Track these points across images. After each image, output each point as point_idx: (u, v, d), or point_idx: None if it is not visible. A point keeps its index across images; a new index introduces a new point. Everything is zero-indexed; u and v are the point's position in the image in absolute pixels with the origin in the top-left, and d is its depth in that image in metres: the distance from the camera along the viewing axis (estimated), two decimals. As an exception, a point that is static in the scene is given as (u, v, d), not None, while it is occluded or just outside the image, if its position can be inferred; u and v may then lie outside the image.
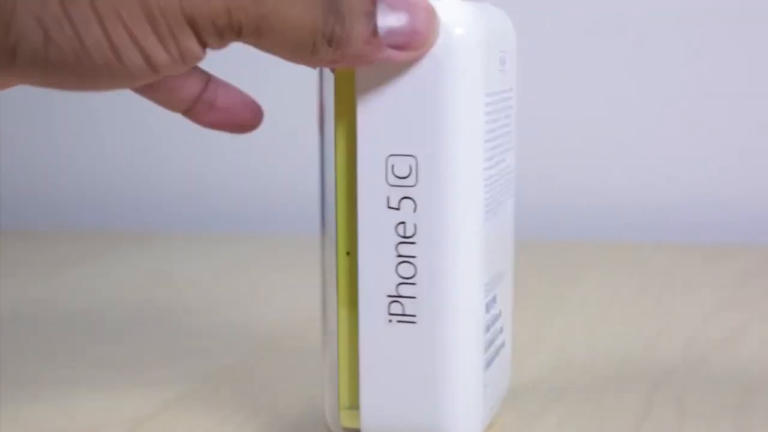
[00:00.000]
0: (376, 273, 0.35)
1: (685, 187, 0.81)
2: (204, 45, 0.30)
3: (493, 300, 0.37)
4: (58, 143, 0.94)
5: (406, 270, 0.34)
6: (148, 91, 0.40)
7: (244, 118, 0.41)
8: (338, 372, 0.36)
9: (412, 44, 0.32)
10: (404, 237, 0.34)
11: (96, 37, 0.28)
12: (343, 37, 0.31)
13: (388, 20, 0.32)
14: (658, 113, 0.81)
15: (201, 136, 0.91)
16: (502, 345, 0.40)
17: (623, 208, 0.81)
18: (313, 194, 0.62)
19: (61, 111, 0.93)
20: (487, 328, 0.37)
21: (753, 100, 0.79)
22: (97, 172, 0.94)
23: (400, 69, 0.33)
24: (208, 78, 0.41)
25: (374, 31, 0.32)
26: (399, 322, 0.35)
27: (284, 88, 0.76)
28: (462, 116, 0.33)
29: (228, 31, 0.30)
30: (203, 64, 0.35)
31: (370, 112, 0.34)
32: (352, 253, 0.35)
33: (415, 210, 0.34)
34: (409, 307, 0.35)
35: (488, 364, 0.37)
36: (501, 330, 0.39)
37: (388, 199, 0.34)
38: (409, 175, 0.34)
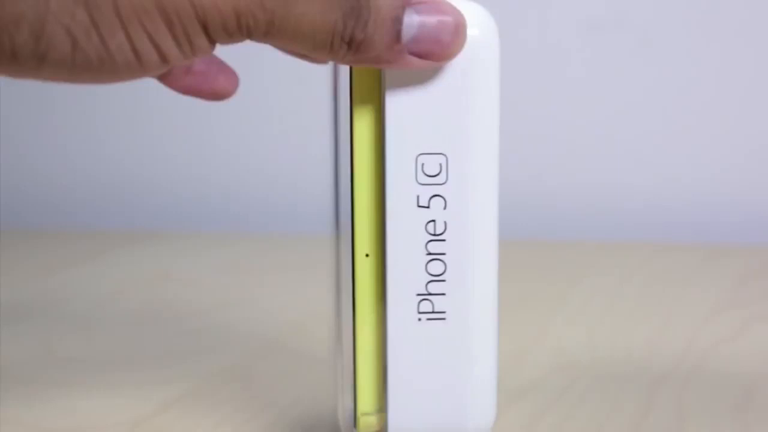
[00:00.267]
0: (406, 272, 0.35)
1: (685, 187, 0.81)
2: (213, 43, 0.31)
3: None
4: (58, 143, 0.94)
5: (435, 267, 0.35)
6: None
7: (219, 83, 0.42)
8: (357, 377, 0.36)
9: (435, 55, 0.33)
10: (434, 235, 0.35)
11: (119, 42, 0.30)
12: (365, 41, 0.32)
13: (414, 28, 0.32)
14: (659, 114, 0.81)
15: (201, 136, 0.91)
16: None
17: (623, 209, 0.81)
18: (314, 194, 0.62)
19: (61, 111, 0.93)
20: None
21: (753, 101, 0.79)
22: (97, 172, 0.94)
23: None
24: None
25: (398, 37, 0.32)
26: (428, 320, 0.35)
27: (288, 88, 0.76)
28: (488, 113, 0.34)
29: (237, 33, 0.31)
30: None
31: (400, 112, 0.34)
32: (371, 255, 0.35)
33: (445, 207, 0.34)
34: (439, 304, 0.35)
35: None
36: None
37: (418, 197, 0.34)
38: (439, 173, 0.34)
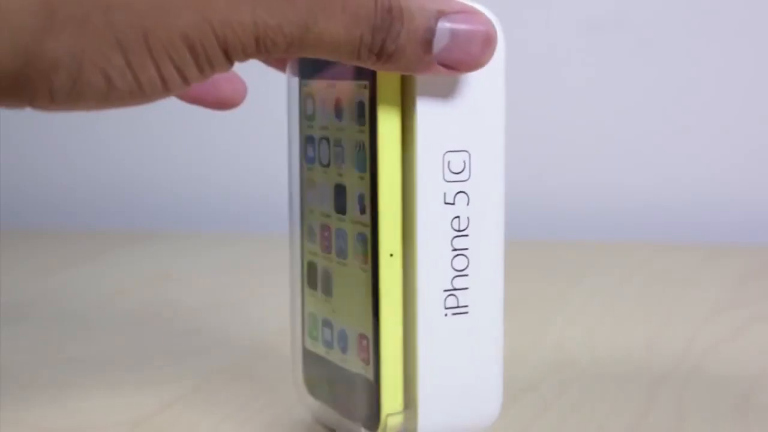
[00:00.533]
0: (434, 269, 0.35)
1: (685, 187, 0.81)
2: (232, 63, 0.32)
3: None
4: (58, 143, 0.94)
5: (459, 263, 0.35)
6: None
7: (223, 92, 0.43)
8: (381, 378, 0.36)
9: (465, 66, 0.33)
10: (458, 231, 0.35)
11: (150, 75, 0.31)
12: (396, 52, 0.32)
13: (446, 39, 0.32)
14: (659, 114, 0.81)
15: (201, 136, 0.91)
16: None
17: (623, 209, 0.81)
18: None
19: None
20: None
21: (753, 101, 0.79)
22: (97, 172, 0.94)
23: None
24: None
25: (429, 48, 0.32)
26: (454, 314, 0.36)
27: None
28: (498, 111, 0.35)
29: (256, 54, 0.32)
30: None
31: (429, 111, 0.34)
32: (395, 254, 0.35)
33: (468, 203, 0.35)
34: (463, 298, 0.36)
35: None
36: None
37: (444, 194, 0.35)
38: (463, 170, 0.35)
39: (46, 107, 0.32)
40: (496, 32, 0.33)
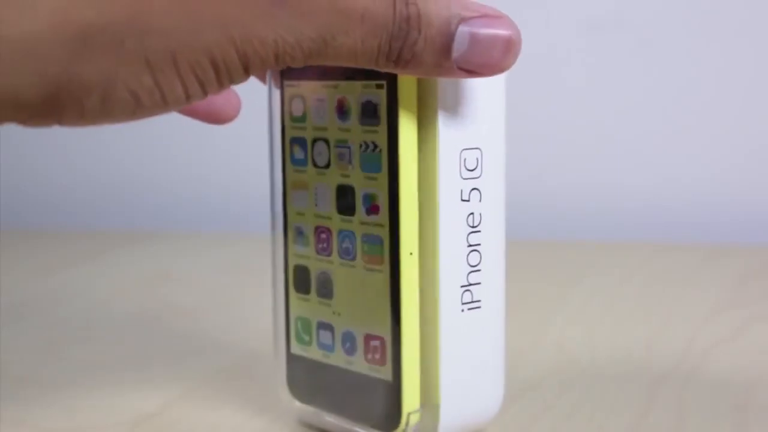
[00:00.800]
0: (452, 265, 0.36)
1: (685, 187, 0.81)
2: (249, 75, 0.33)
3: None
4: (58, 143, 0.94)
5: (474, 258, 0.36)
6: None
7: (220, 108, 0.43)
8: (402, 376, 0.36)
9: (485, 71, 0.33)
10: (473, 227, 0.36)
11: (177, 93, 0.32)
12: (413, 59, 0.32)
13: (465, 44, 0.32)
14: (659, 114, 0.81)
15: (201, 136, 0.91)
16: None
17: (623, 209, 0.81)
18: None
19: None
20: None
21: (753, 101, 0.79)
22: (97, 172, 0.94)
23: None
24: None
25: (448, 53, 0.32)
26: (469, 309, 0.36)
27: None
28: (501, 108, 0.36)
29: (275, 67, 0.32)
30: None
31: (448, 111, 0.35)
32: (414, 252, 0.36)
33: (480, 200, 0.36)
34: (476, 293, 0.36)
35: None
36: None
37: (461, 192, 0.36)
38: (476, 167, 0.36)
39: (73, 125, 0.33)
40: (519, 35, 0.33)
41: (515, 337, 0.42)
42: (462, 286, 0.36)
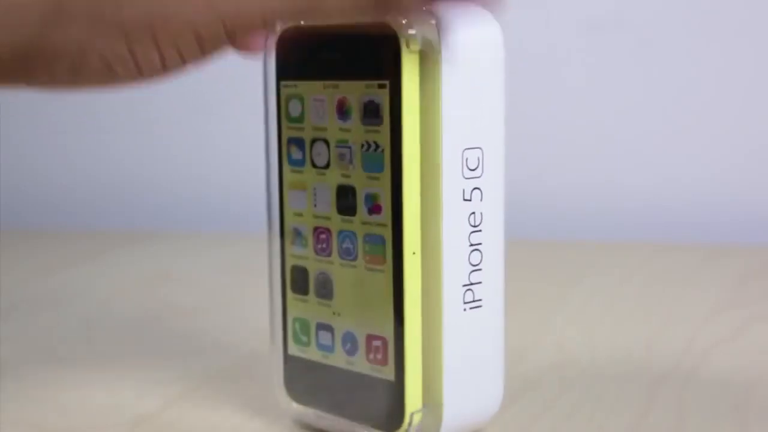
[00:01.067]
0: (455, 265, 0.36)
1: (685, 187, 0.81)
2: (235, 42, 0.33)
3: None
4: (58, 143, 0.94)
5: (475, 257, 0.36)
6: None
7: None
8: (406, 376, 0.36)
9: None
10: (474, 226, 0.36)
11: (153, 64, 0.32)
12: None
13: None
14: (659, 114, 0.81)
15: (201, 136, 0.91)
16: None
17: (623, 209, 0.81)
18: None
19: (61, 111, 0.93)
20: None
21: (753, 101, 0.79)
22: (97, 172, 0.94)
23: (476, 67, 0.35)
24: None
25: None
26: (471, 308, 0.36)
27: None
28: (503, 105, 0.37)
29: (262, 28, 0.33)
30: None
31: (451, 111, 0.35)
32: (417, 252, 0.36)
33: (481, 199, 0.36)
34: (478, 292, 0.37)
35: None
36: None
37: (463, 191, 0.36)
38: (477, 167, 0.36)
39: (43, 88, 0.33)
40: None
41: (515, 336, 0.42)
42: (464, 285, 0.36)
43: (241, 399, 0.44)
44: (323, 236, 0.38)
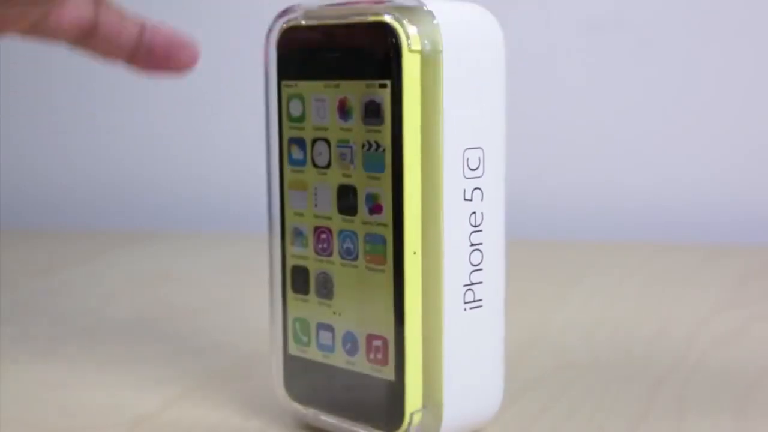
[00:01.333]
0: (456, 264, 0.36)
1: (685, 187, 0.81)
2: None
3: None
4: (58, 143, 0.94)
5: (476, 257, 0.36)
6: (89, 42, 0.45)
7: (182, 59, 0.46)
8: (406, 376, 0.36)
9: None
10: (475, 226, 0.36)
11: None
12: None
13: None
14: (659, 114, 0.81)
15: (201, 136, 0.91)
16: None
17: (623, 209, 0.81)
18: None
19: (61, 111, 0.93)
20: None
21: (753, 101, 0.79)
22: (97, 172, 0.94)
23: (477, 66, 0.35)
24: (142, 23, 0.46)
25: None
26: (471, 309, 0.37)
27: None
28: (504, 105, 0.37)
29: None
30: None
31: (452, 110, 0.35)
32: (417, 252, 0.36)
33: (482, 199, 0.36)
34: (478, 292, 0.37)
35: None
36: None
37: (464, 191, 0.36)
38: (478, 167, 0.36)
39: None
40: None
41: (515, 336, 0.42)
42: (464, 285, 0.36)
43: (241, 399, 0.44)
44: (324, 236, 0.38)
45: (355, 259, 0.37)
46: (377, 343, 0.36)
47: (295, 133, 0.38)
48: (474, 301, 0.36)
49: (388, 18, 0.35)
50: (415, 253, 0.36)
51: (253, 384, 0.46)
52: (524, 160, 0.79)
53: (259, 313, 0.59)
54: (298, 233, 0.39)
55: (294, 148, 0.38)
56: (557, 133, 0.82)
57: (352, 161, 0.36)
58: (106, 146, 0.93)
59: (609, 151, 0.82)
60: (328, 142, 0.37)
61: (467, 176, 0.36)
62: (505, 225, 0.37)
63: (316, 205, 0.38)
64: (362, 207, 0.36)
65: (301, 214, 0.39)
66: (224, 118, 0.88)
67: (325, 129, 0.37)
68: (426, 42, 0.35)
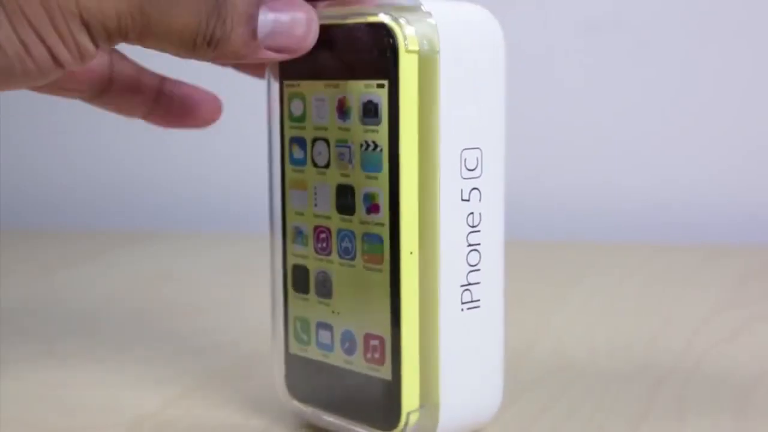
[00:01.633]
0: (453, 265, 0.36)
1: (685, 187, 0.81)
2: (96, 45, 0.34)
3: None
4: (58, 143, 0.94)
5: (473, 258, 0.36)
6: (104, 98, 0.44)
7: (200, 115, 0.46)
8: (402, 376, 0.36)
9: (290, 50, 0.35)
10: (472, 227, 0.36)
11: (6, 33, 0.32)
12: (223, 39, 0.34)
13: (269, 25, 0.34)
14: (657, 115, 0.81)
15: (201, 136, 0.90)
16: None
17: (623, 209, 0.81)
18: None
19: (61, 111, 0.93)
20: None
21: (752, 101, 0.79)
22: (97, 172, 0.94)
23: (476, 66, 0.36)
24: (161, 79, 0.45)
25: (254, 34, 0.34)
26: (468, 309, 0.37)
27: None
28: (504, 106, 0.37)
29: (116, 35, 0.33)
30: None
31: (450, 111, 0.35)
32: (414, 252, 0.36)
33: (480, 199, 0.36)
34: (476, 293, 0.37)
35: None
36: None
37: (461, 191, 0.36)
38: (476, 167, 0.36)
39: None
40: (315, 16, 0.35)
41: (515, 337, 0.42)
42: (462, 286, 0.36)
43: (241, 399, 0.44)
44: (323, 235, 0.38)
45: (353, 258, 0.37)
46: (374, 342, 0.37)
47: (296, 133, 0.38)
48: (471, 301, 0.36)
49: (385, 18, 0.35)
50: (411, 253, 0.36)
51: (253, 383, 0.46)
52: (522, 161, 0.79)
53: (259, 313, 0.59)
54: (299, 232, 0.39)
55: (295, 147, 0.39)
56: (555, 134, 0.82)
57: (350, 161, 0.37)
58: (106, 146, 0.93)
59: (607, 151, 0.82)
60: (327, 141, 0.37)
61: (465, 177, 0.36)
62: (504, 226, 0.37)
63: (315, 205, 0.38)
64: (360, 207, 0.36)
65: (301, 214, 0.39)
66: (224, 118, 0.88)
67: (325, 129, 0.37)
68: (423, 42, 0.35)
